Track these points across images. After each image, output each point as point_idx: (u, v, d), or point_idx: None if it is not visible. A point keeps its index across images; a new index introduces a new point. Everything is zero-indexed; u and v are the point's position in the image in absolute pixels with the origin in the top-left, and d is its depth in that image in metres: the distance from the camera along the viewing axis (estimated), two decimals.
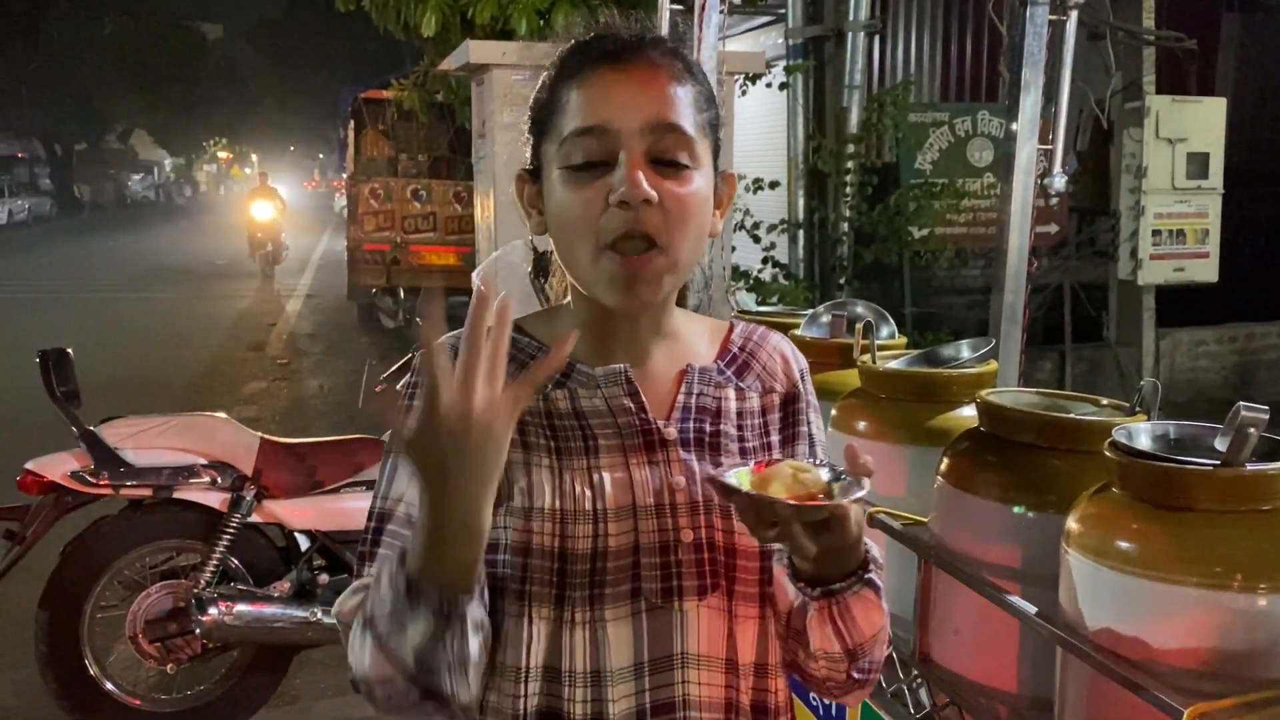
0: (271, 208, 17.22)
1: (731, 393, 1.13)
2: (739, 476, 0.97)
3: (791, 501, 0.92)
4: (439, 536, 0.90)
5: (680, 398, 1.10)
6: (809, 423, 1.17)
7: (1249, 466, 1.19)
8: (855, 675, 1.07)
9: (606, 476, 1.04)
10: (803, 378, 1.19)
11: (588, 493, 1.03)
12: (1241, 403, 1.19)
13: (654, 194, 0.99)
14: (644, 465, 1.06)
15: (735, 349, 1.17)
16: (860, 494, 0.94)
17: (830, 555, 0.98)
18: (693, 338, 1.16)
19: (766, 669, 1.09)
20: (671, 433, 1.08)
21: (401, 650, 0.92)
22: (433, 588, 0.90)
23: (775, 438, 1.15)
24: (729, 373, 1.14)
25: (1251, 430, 1.17)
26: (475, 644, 0.94)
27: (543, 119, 1.07)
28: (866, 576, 1.02)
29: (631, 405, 1.07)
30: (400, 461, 1.06)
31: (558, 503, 1.02)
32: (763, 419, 1.14)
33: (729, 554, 1.06)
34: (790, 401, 1.17)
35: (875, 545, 1.09)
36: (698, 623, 1.04)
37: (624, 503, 1.04)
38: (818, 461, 1.02)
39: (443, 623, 0.91)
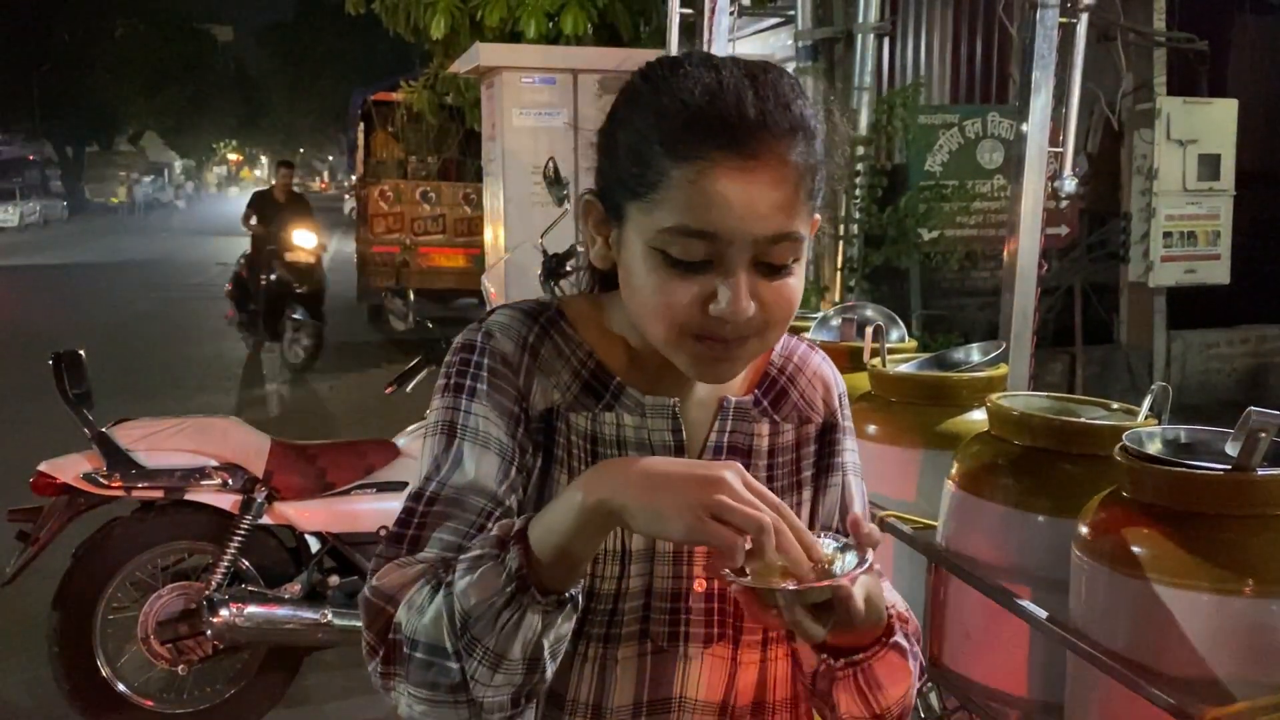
0: (311, 237, 9.68)
1: (765, 428, 1.09)
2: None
3: (790, 586, 0.87)
4: (583, 551, 0.88)
5: (713, 436, 1.06)
6: (844, 450, 1.14)
7: (1260, 471, 1.19)
8: None
9: None
10: (842, 403, 1.14)
11: (617, 532, 0.99)
12: (1252, 408, 1.19)
13: (754, 310, 0.93)
14: None
15: (774, 372, 1.12)
16: (863, 569, 0.89)
17: (847, 629, 0.94)
18: None
19: (764, 707, 1.07)
20: None
21: (464, 603, 0.87)
22: (552, 581, 0.87)
23: (808, 473, 1.11)
24: (765, 403, 1.10)
25: (1262, 435, 1.17)
26: (518, 653, 0.88)
27: (635, 178, 0.94)
28: (892, 640, 0.99)
29: (672, 443, 1.04)
30: (471, 448, 0.99)
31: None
32: (796, 454, 1.10)
33: (739, 606, 1.01)
34: (828, 431, 1.12)
35: (900, 598, 1.06)
36: (700, 669, 1.03)
37: (644, 545, 1.02)
38: (818, 533, 0.96)
39: (514, 595, 0.86)
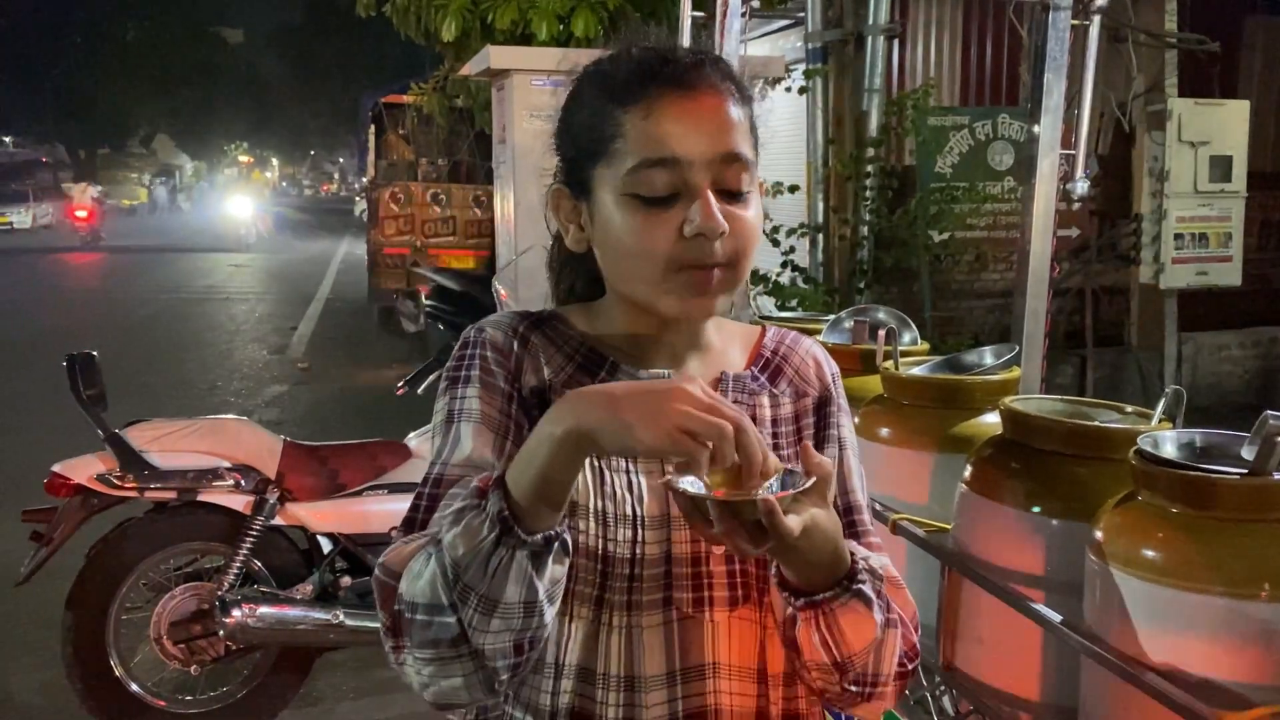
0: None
1: (765, 400, 1.14)
2: (695, 480, 0.93)
3: (719, 496, 0.88)
4: (561, 483, 0.90)
5: None
6: (840, 426, 1.17)
7: (1277, 475, 1.19)
8: (850, 688, 1.03)
9: (644, 482, 1.05)
10: (834, 381, 1.19)
11: (629, 496, 1.04)
12: (1269, 412, 1.18)
13: (727, 226, 1.01)
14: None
15: (768, 354, 1.17)
16: (795, 490, 0.90)
17: (802, 562, 0.96)
18: (725, 344, 1.16)
19: (795, 678, 1.09)
20: None
21: (453, 553, 0.89)
22: (535, 519, 0.89)
23: (808, 443, 1.13)
24: (763, 379, 1.15)
25: (1279, 439, 1.17)
26: (514, 596, 0.90)
27: (594, 141, 1.05)
28: (855, 587, 0.99)
29: None
30: (470, 429, 1.04)
31: (600, 503, 1.03)
32: (796, 425, 1.14)
33: (760, 566, 1.06)
34: (822, 405, 1.17)
35: (880, 555, 1.09)
36: (729, 633, 1.05)
37: (659, 512, 1.04)
38: (788, 468, 0.97)
39: (498, 538, 0.88)
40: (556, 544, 0.91)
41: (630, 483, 1.05)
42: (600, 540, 1.02)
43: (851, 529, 1.12)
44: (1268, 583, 1.14)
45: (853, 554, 1.01)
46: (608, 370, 1.10)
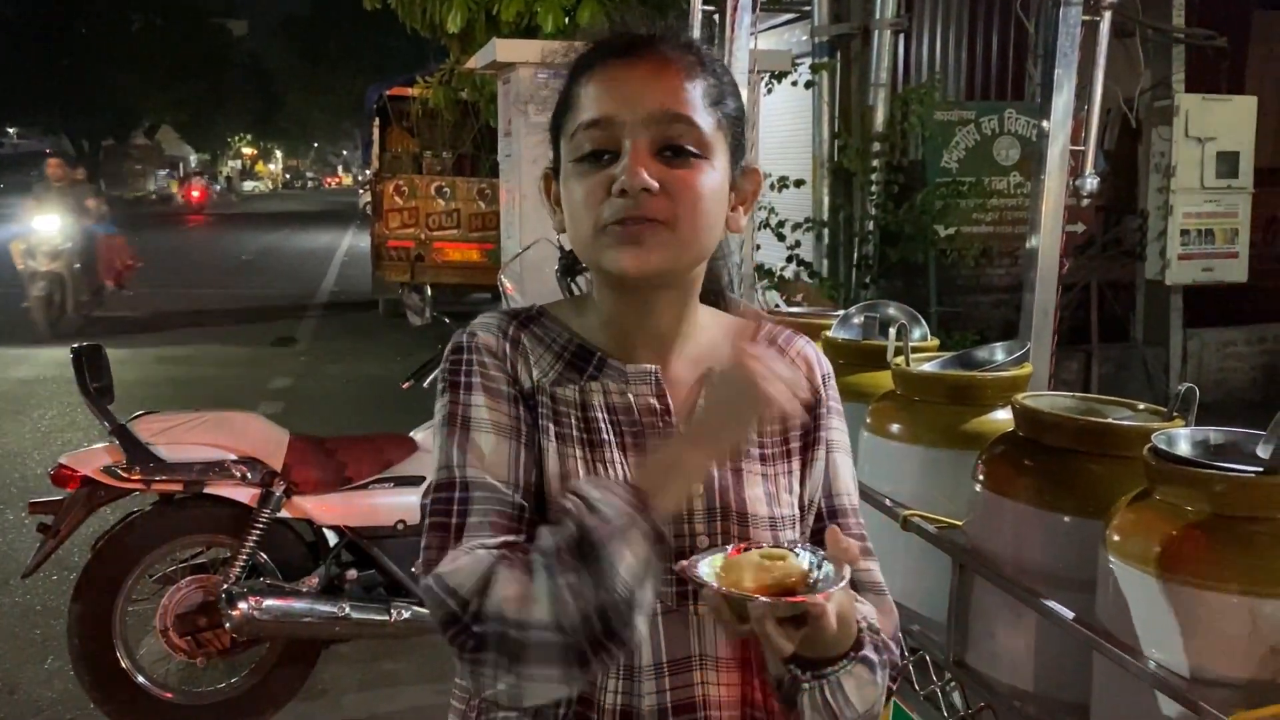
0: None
1: None
2: (712, 564, 0.94)
3: (764, 599, 0.87)
4: (684, 482, 0.98)
5: (701, 401, 1.09)
6: (829, 428, 1.16)
7: None
8: None
9: (631, 474, 1.05)
10: (825, 382, 1.17)
11: None
12: None
13: (653, 183, 1.00)
14: None
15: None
16: (839, 586, 0.89)
17: (815, 643, 0.96)
18: (717, 338, 1.15)
19: None
20: None
21: (610, 581, 0.91)
22: (653, 518, 0.93)
23: (795, 444, 1.14)
24: None
25: None
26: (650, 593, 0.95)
27: (560, 115, 1.09)
28: (861, 654, 1.00)
29: (658, 407, 1.08)
30: (479, 436, 1.05)
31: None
32: (783, 424, 1.13)
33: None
34: (813, 407, 1.15)
35: (870, 561, 1.09)
36: (713, 626, 1.04)
37: None
38: (794, 546, 0.97)
39: (654, 552, 0.93)
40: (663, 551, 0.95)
41: (618, 475, 1.05)
42: None
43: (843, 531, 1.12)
44: None
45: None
46: (595, 366, 1.10)
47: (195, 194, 40.70)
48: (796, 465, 1.14)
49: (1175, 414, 1.53)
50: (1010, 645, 1.55)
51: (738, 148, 1.09)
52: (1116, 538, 1.28)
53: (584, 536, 0.92)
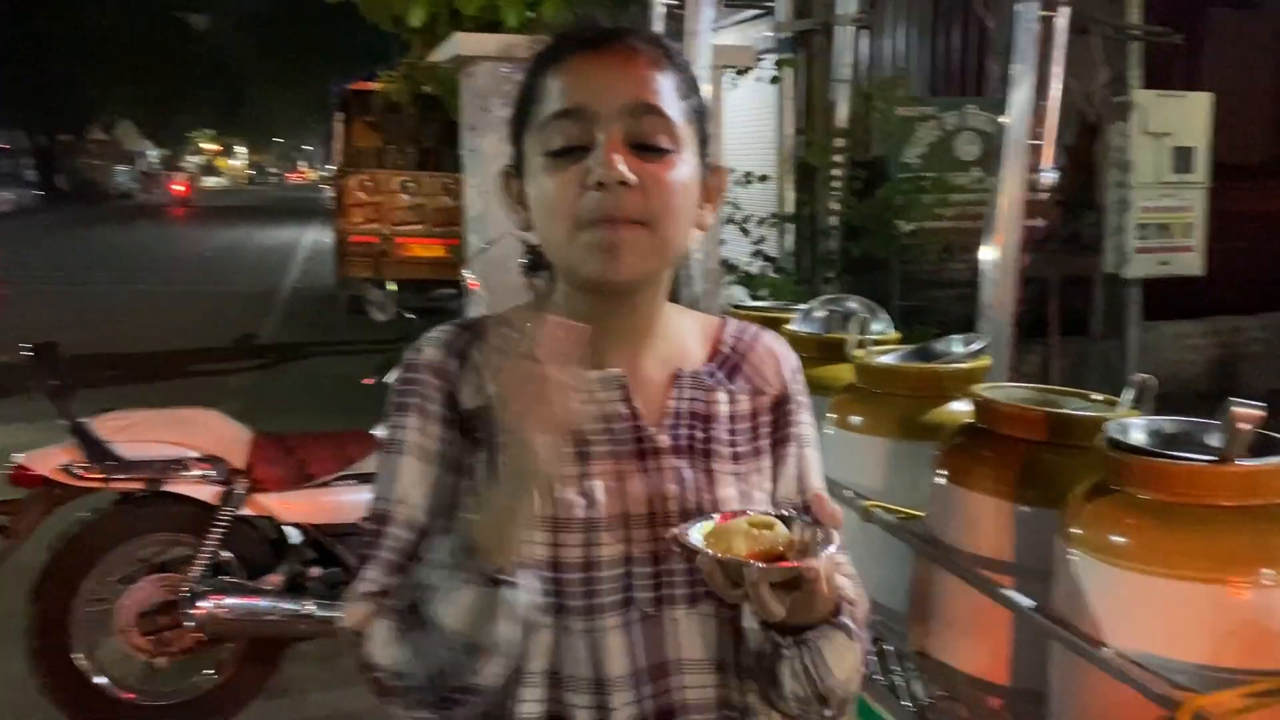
0: None
1: (722, 396, 1.12)
2: (702, 530, 0.95)
3: (761, 564, 0.89)
4: (513, 513, 0.94)
5: (672, 403, 1.09)
6: (800, 423, 1.17)
7: (1243, 462, 1.21)
8: (826, 713, 1.06)
9: (598, 485, 1.04)
10: (794, 377, 1.18)
11: (580, 500, 1.03)
12: (1234, 399, 1.20)
13: (632, 176, 0.98)
14: (635, 474, 1.05)
15: (727, 349, 1.16)
16: (832, 549, 0.91)
17: (802, 608, 0.97)
18: (684, 337, 1.14)
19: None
20: (664, 440, 1.07)
21: (454, 622, 0.93)
22: (485, 557, 0.93)
23: (765, 441, 1.14)
24: (720, 375, 1.13)
25: (1245, 426, 1.19)
26: (512, 629, 0.95)
27: (523, 110, 1.07)
28: (840, 620, 1.01)
29: (626, 411, 1.07)
30: (403, 462, 1.05)
31: (549, 510, 1.01)
32: (753, 422, 1.13)
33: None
34: (782, 403, 1.16)
35: (847, 580, 1.09)
36: (689, 629, 1.05)
37: (616, 512, 1.04)
38: (783, 512, 0.99)
39: (491, 591, 0.92)
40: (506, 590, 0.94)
41: (582, 489, 1.03)
42: (549, 548, 1.01)
43: None
44: (1234, 567, 1.16)
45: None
46: None
47: (179, 188, 42.05)
48: (767, 463, 1.14)
49: (1131, 404, 1.55)
50: (970, 635, 1.57)
51: (704, 144, 1.08)
52: (1072, 527, 1.30)
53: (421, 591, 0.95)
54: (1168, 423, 1.36)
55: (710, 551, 0.91)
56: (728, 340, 1.16)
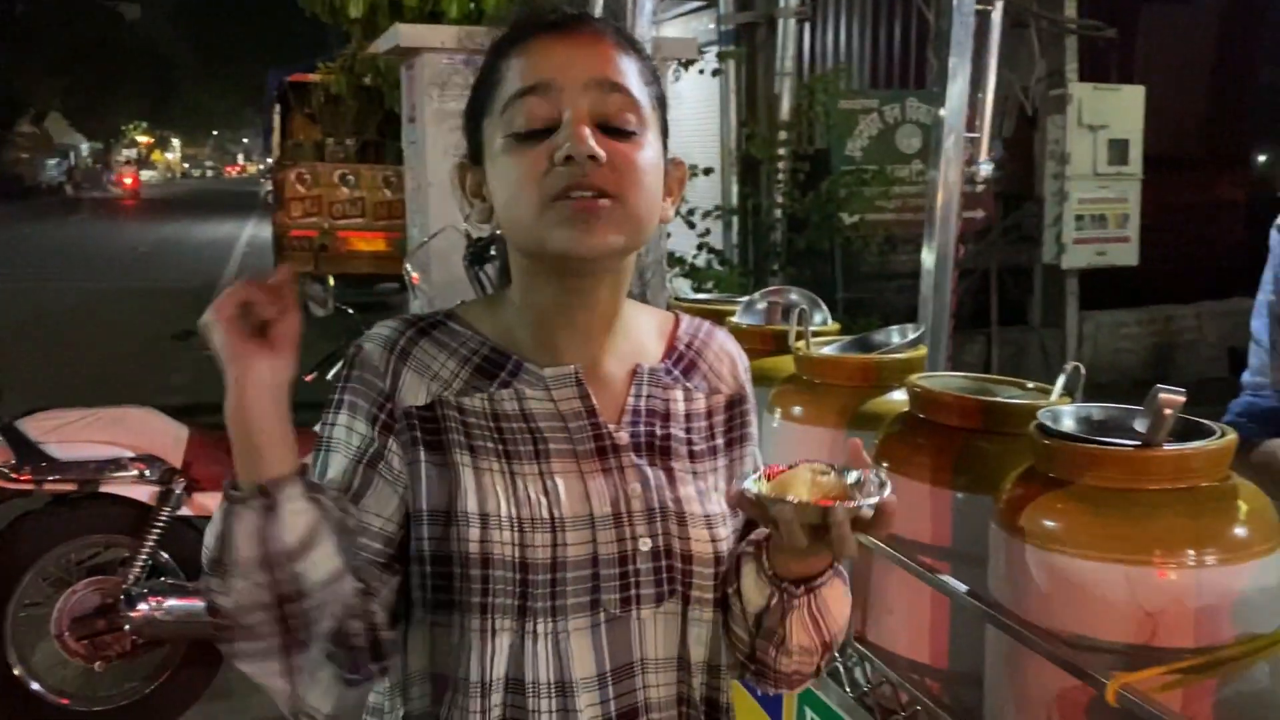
0: None
1: (679, 394, 1.11)
2: (757, 485, 0.97)
3: (845, 505, 0.93)
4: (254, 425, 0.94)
5: (630, 400, 1.08)
6: (752, 423, 1.18)
7: (1167, 446, 1.24)
8: (822, 665, 1.10)
9: (560, 483, 1.02)
10: (747, 376, 1.19)
11: (544, 500, 1.01)
12: (1159, 385, 1.23)
13: (600, 151, 0.96)
14: (597, 472, 1.04)
15: (682, 347, 1.15)
16: (889, 490, 0.95)
17: (822, 555, 0.99)
18: (640, 333, 1.13)
19: (717, 669, 1.10)
20: (623, 437, 1.05)
21: (244, 552, 0.91)
22: (249, 479, 0.92)
23: (720, 440, 1.14)
24: (676, 373, 1.12)
25: (1168, 412, 1.22)
26: (248, 551, 0.91)
27: (482, 96, 1.04)
28: (838, 569, 1.05)
29: (583, 409, 1.04)
30: (329, 459, 1.04)
31: (514, 510, 1.00)
32: (708, 421, 1.13)
33: (685, 560, 1.05)
34: (737, 403, 1.16)
35: None
36: (654, 629, 1.04)
37: (581, 512, 1.02)
38: (828, 464, 1.01)
39: (227, 506, 0.92)
40: (288, 491, 0.91)
41: (545, 486, 1.01)
42: (516, 549, 0.99)
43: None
44: (1159, 549, 1.19)
45: None
46: (510, 370, 1.05)
47: (128, 180, 42.61)
48: (723, 462, 1.13)
49: (1062, 392, 1.58)
50: (909, 620, 1.59)
51: (666, 135, 1.07)
52: (1004, 512, 1.32)
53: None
54: (1096, 409, 1.39)
55: (793, 497, 0.94)
56: (683, 337, 1.15)
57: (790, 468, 0.99)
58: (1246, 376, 2.04)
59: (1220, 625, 1.19)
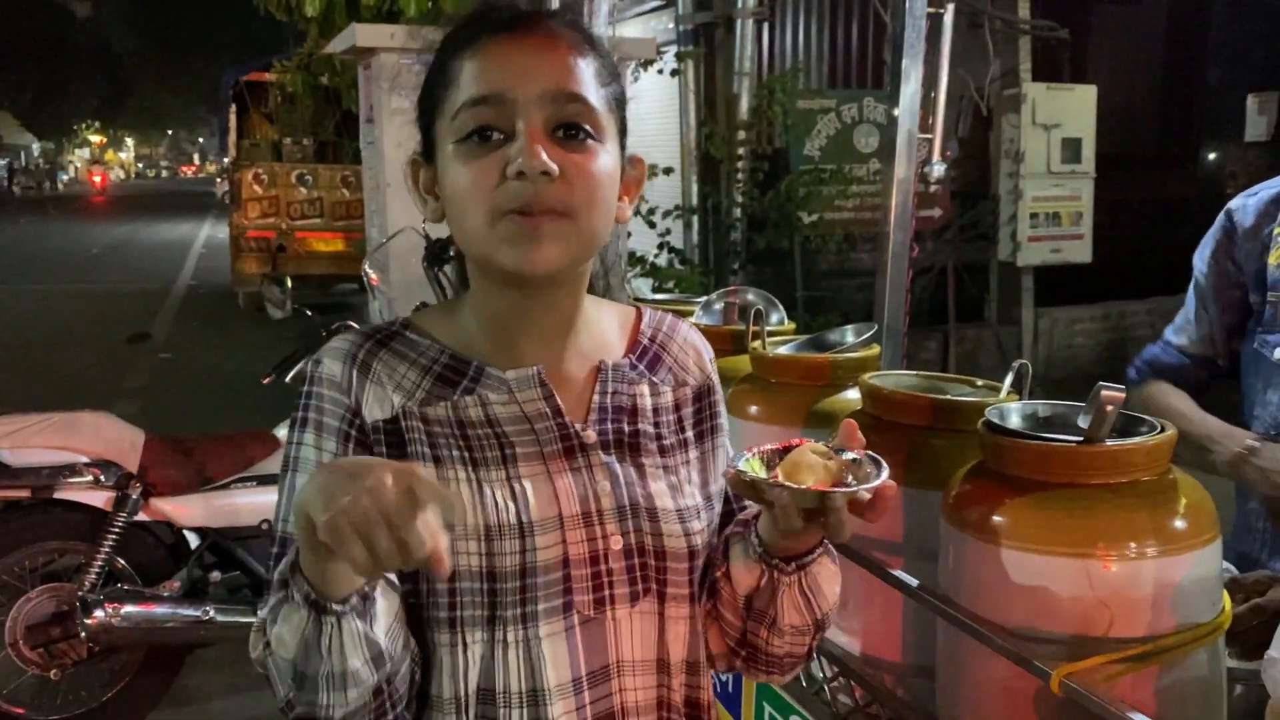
0: None
1: (645, 389, 1.10)
2: (750, 466, 0.97)
3: (841, 489, 0.93)
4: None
5: (596, 398, 1.06)
6: (721, 415, 1.17)
7: (1109, 442, 1.27)
8: (812, 645, 1.10)
9: (528, 486, 1.00)
10: (713, 368, 1.18)
11: (511, 505, 0.98)
12: (1101, 382, 1.26)
13: (554, 166, 0.94)
14: (566, 472, 1.02)
15: (645, 341, 1.13)
16: (887, 472, 0.96)
17: (815, 534, 1.00)
18: (602, 329, 1.11)
19: (696, 666, 1.09)
20: (591, 436, 1.04)
21: (285, 652, 0.89)
22: (304, 580, 0.87)
23: (690, 433, 1.12)
24: (641, 367, 1.11)
25: (1110, 408, 1.25)
26: (358, 662, 0.89)
27: (434, 96, 1.01)
28: (827, 547, 1.06)
29: (548, 409, 1.02)
30: (300, 473, 1.02)
31: (480, 518, 0.97)
32: (676, 414, 1.12)
33: (659, 557, 1.04)
34: (705, 394, 1.15)
35: None
36: (630, 629, 1.02)
37: (550, 514, 0.99)
38: (827, 444, 1.01)
39: (318, 619, 0.87)
40: (370, 597, 0.89)
41: (513, 491, 0.99)
42: (484, 558, 0.97)
43: (736, 511, 1.14)
44: (1102, 542, 1.22)
45: None
46: (471, 376, 1.02)
47: (98, 180, 43.99)
48: (695, 455, 1.12)
49: (1010, 389, 1.61)
50: (862, 615, 1.62)
51: (624, 133, 1.05)
52: (954, 507, 1.35)
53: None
54: (1042, 406, 1.42)
55: (791, 484, 0.93)
56: (646, 331, 1.14)
57: (787, 447, 1.00)
58: (1168, 330, 2.11)
59: (1162, 615, 1.22)
